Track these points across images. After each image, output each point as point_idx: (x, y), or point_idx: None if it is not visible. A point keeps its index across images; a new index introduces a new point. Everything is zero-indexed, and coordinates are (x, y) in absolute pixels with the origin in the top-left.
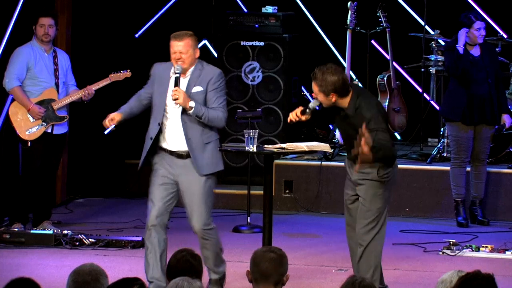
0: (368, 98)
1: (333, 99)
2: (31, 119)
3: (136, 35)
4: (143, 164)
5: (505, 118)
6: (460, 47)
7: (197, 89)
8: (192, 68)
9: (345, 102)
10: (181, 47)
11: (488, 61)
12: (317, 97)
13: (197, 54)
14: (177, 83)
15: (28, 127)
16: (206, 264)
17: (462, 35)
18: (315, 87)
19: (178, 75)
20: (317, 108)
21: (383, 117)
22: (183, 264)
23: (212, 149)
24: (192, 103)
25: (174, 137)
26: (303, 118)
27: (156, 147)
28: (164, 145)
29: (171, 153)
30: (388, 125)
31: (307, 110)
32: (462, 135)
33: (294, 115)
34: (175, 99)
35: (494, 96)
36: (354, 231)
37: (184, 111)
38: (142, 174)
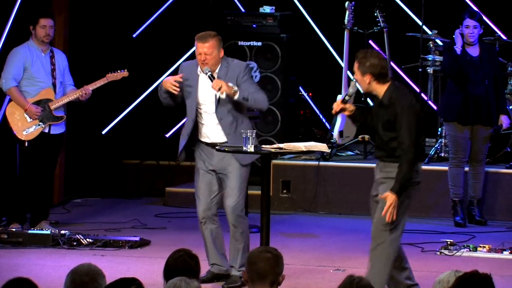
0: (405, 95)
1: (368, 81)
2: (28, 119)
3: (134, 35)
4: (184, 156)
5: (503, 119)
6: (457, 48)
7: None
8: (218, 68)
9: (381, 89)
10: (206, 48)
11: (486, 61)
12: (356, 77)
13: (222, 53)
14: (213, 78)
15: (25, 127)
16: (232, 262)
17: (456, 35)
18: (354, 66)
19: (210, 72)
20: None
21: (415, 114)
22: (181, 264)
23: None
24: (235, 87)
25: (212, 131)
26: (346, 106)
27: (195, 143)
28: (203, 139)
29: (208, 144)
30: (420, 122)
31: (346, 98)
32: (459, 135)
33: (336, 106)
34: (219, 90)
35: (491, 97)
36: None
37: (219, 108)
38: (140, 174)
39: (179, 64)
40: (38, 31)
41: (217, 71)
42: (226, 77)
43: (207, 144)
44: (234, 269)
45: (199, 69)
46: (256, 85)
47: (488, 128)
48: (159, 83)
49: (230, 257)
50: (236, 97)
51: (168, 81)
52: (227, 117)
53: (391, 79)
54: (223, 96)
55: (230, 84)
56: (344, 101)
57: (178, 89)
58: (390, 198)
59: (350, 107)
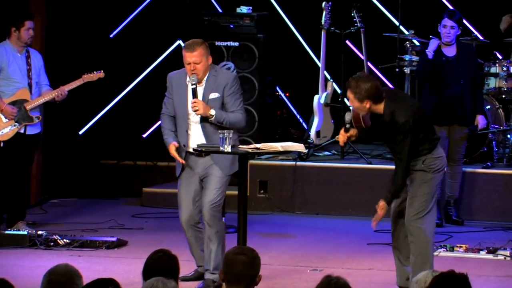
0: (400, 101)
1: (367, 105)
2: (4, 119)
3: (111, 35)
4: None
5: (479, 119)
6: (429, 52)
7: (214, 95)
8: (207, 75)
9: (380, 108)
10: (194, 57)
11: (463, 61)
12: (353, 105)
13: (210, 60)
14: (195, 95)
15: (1, 128)
16: (206, 265)
17: (432, 41)
18: (350, 95)
19: (194, 86)
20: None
21: (417, 118)
22: (160, 264)
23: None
24: (212, 111)
25: (197, 140)
26: (351, 133)
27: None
28: (187, 148)
29: (191, 153)
30: (426, 122)
31: (347, 126)
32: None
33: (342, 137)
34: (195, 111)
35: (467, 97)
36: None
37: (204, 118)
38: (117, 174)
39: (167, 75)
40: (23, 33)
41: (206, 78)
42: (214, 85)
43: (191, 153)
44: (208, 272)
45: (187, 79)
46: (241, 100)
47: (464, 128)
48: (167, 147)
49: (205, 259)
50: (211, 119)
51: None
52: (211, 126)
53: (383, 91)
54: (197, 117)
55: (212, 112)
56: (346, 130)
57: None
58: (382, 207)
59: (353, 132)
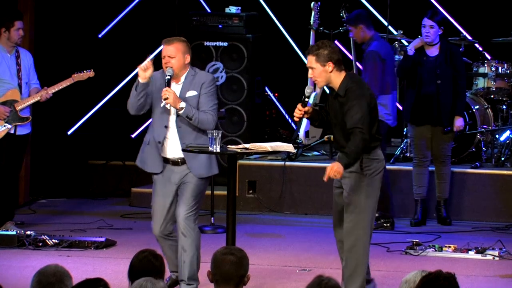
0: (360, 85)
1: (330, 69)
2: None
3: (99, 35)
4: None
5: (456, 121)
6: (409, 49)
7: (191, 93)
8: (185, 74)
9: (338, 79)
10: (170, 51)
11: (443, 62)
12: (312, 74)
13: (188, 59)
14: (168, 84)
15: None
16: (181, 275)
17: (416, 40)
18: (311, 58)
19: (169, 77)
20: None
21: (367, 101)
22: (145, 265)
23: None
24: (182, 104)
25: (171, 144)
26: (306, 109)
27: (154, 157)
28: (163, 154)
29: (167, 160)
30: (376, 116)
31: (306, 99)
32: (416, 134)
33: (298, 111)
34: (165, 99)
35: (444, 98)
36: (340, 225)
37: (179, 116)
38: (106, 174)
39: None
40: (13, 33)
41: (184, 76)
42: (191, 84)
43: (166, 160)
44: (183, 283)
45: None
46: (215, 102)
47: (440, 128)
48: (135, 83)
49: (179, 270)
50: (180, 112)
51: (141, 68)
52: (186, 127)
53: (345, 69)
54: (168, 106)
55: (182, 104)
56: (304, 104)
57: (149, 71)
58: (337, 167)
59: (309, 109)
